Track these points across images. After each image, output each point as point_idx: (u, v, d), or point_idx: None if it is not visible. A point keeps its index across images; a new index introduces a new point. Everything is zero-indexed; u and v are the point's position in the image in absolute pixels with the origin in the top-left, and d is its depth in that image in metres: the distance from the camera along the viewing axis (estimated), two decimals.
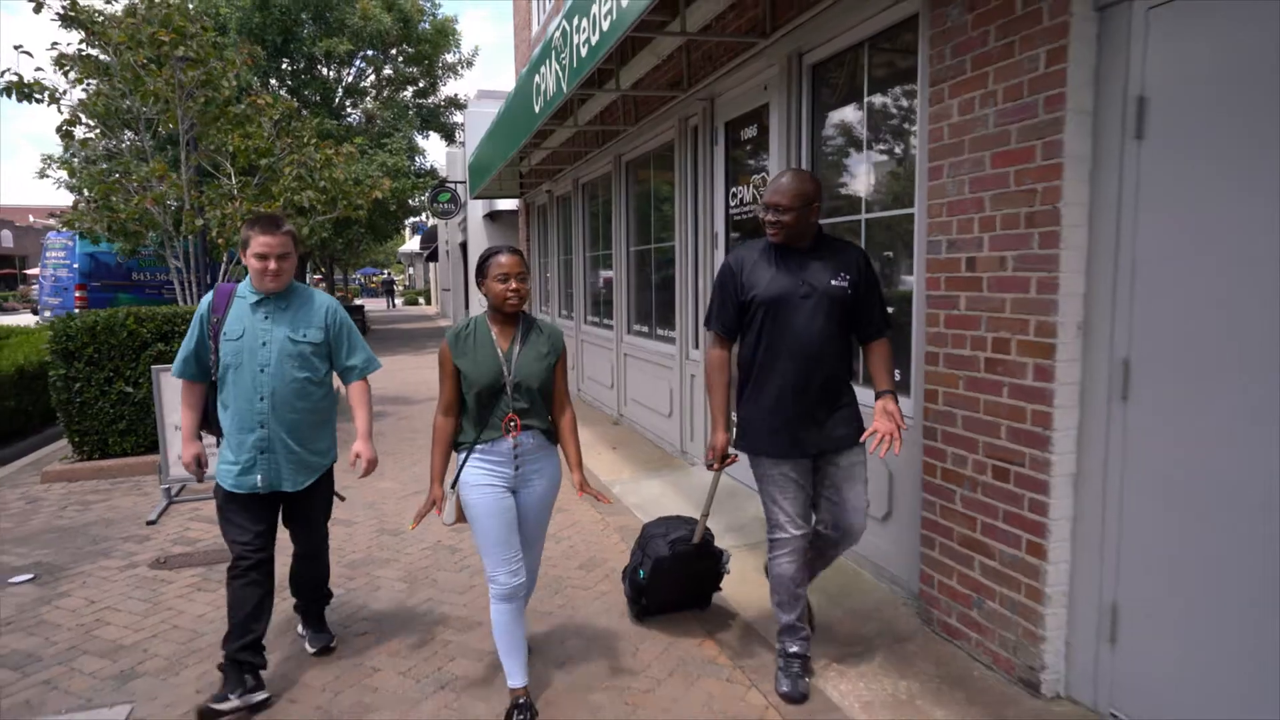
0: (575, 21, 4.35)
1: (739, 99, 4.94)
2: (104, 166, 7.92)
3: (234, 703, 2.62)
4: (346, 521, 4.77)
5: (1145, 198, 2.32)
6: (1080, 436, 2.55)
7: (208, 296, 2.84)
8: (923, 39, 3.11)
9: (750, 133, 4.91)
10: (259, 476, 2.75)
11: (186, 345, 2.82)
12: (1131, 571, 2.42)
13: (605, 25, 3.86)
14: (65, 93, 7.22)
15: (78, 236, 17.48)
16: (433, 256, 32.67)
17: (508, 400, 2.56)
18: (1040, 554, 2.61)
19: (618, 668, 2.99)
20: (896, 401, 2.62)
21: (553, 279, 10.93)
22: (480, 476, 2.58)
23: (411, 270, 57.24)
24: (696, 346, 5.75)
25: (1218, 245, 2.13)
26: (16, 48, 7.23)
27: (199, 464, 2.88)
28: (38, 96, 7.21)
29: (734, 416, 2.84)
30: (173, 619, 3.46)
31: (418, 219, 27.23)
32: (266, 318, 2.78)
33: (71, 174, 8.82)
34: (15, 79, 7.00)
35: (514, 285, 2.55)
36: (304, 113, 13.53)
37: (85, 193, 12.12)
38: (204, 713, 2.59)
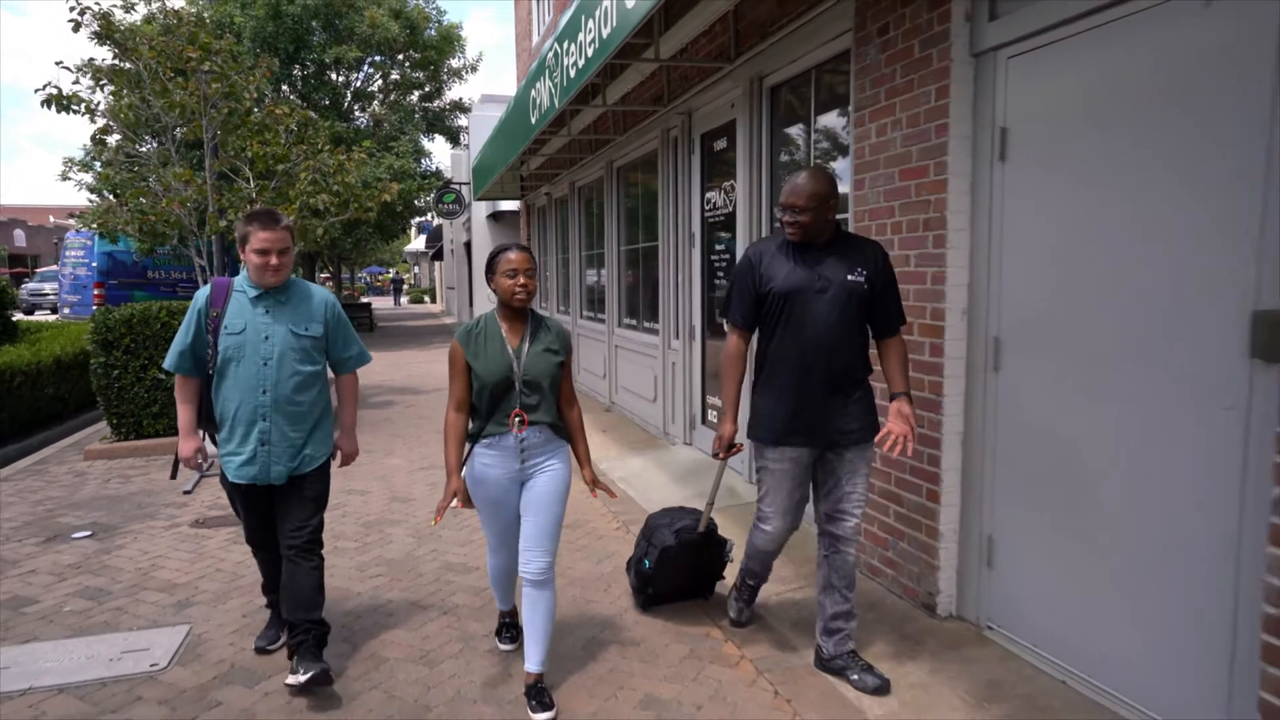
0: (565, 45, 4.92)
1: (711, 114, 5.52)
2: (131, 172, 8.50)
3: (284, 640, 3.04)
4: (361, 491, 5.36)
5: (1008, 208, 2.89)
6: (966, 402, 3.12)
7: (204, 291, 2.83)
8: (852, 71, 3.67)
9: (721, 144, 5.48)
10: (256, 468, 2.80)
11: (182, 339, 2.80)
12: (1003, 509, 2.99)
13: (590, 52, 4.42)
14: (99, 104, 7.83)
15: (96, 236, 18.15)
16: (438, 255, 33.31)
17: (516, 396, 2.64)
18: (936, 499, 3.18)
19: (590, 599, 3.57)
20: (910, 403, 2.68)
21: (552, 277, 11.52)
22: (485, 471, 2.69)
23: (417, 269, 57.97)
24: (676, 337, 6.32)
25: (1056, 245, 2.69)
26: (58, 63, 7.85)
27: (201, 456, 2.93)
28: (75, 108, 7.84)
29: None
30: (216, 565, 4.05)
31: (423, 219, 27.81)
32: (267, 312, 2.80)
33: (107, 180, 9.40)
34: (55, 92, 7.62)
35: (522, 281, 2.62)
36: (314, 116, 14.18)
37: (113, 195, 12.77)
38: (260, 650, 3.08)
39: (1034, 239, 2.79)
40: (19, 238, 52.94)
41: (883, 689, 2.66)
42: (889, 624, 3.20)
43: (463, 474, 2.71)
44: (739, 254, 5.07)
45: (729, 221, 5.35)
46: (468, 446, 2.73)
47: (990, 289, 2.98)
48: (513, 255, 2.64)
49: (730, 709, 2.69)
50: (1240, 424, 2.12)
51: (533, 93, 6.02)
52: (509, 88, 34.27)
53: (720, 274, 5.58)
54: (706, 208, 5.78)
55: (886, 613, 3.30)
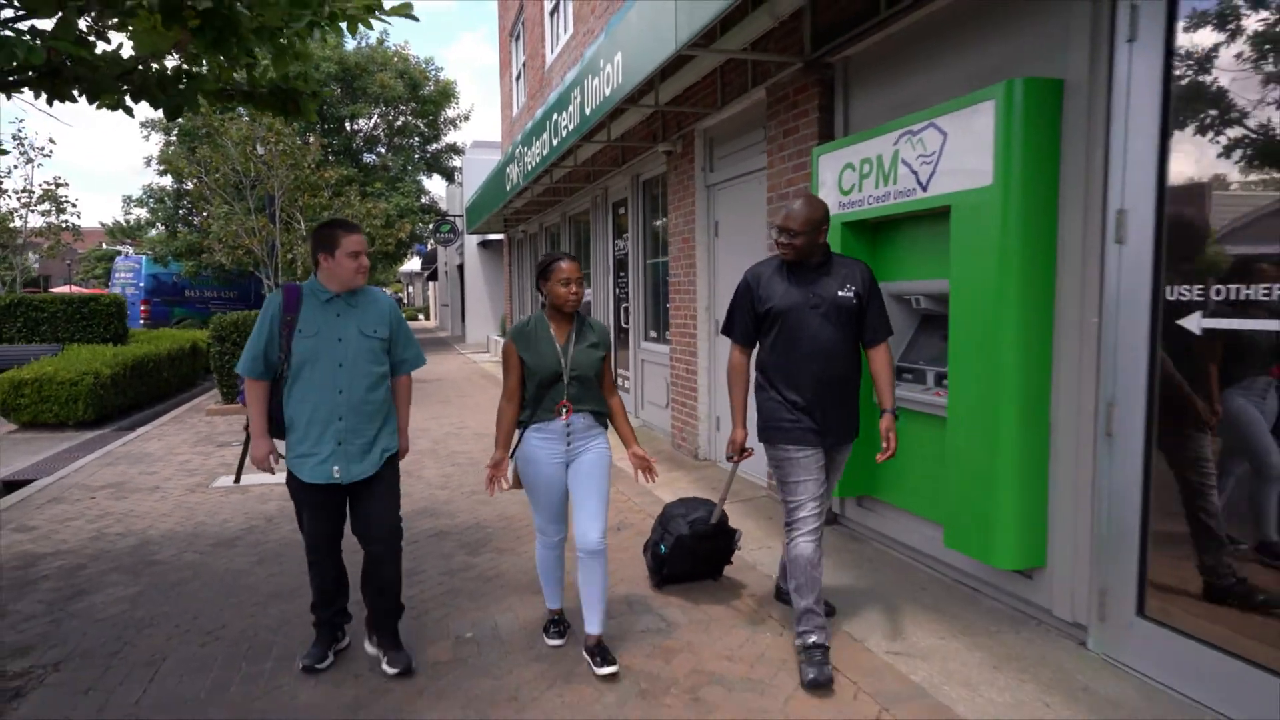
0: (524, 149, 8.21)
1: (616, 192, 8.83)
2: (219, 219, 11.75)
3: (331, 659, 3.03)
4: None
5: (719, 260, 6.16)
6: (706, 350, 6.37)
7: (276, 296, 2.88)
8: (667, 184, 6.95)
9: (622, 211, 8.77)
10: (336, 467, 2.81)
11: (254, 345, 2.84)
12: (719, 401, 6.23)
13: (537, 159, 7.71)
14: (203, 171, 11.09)
15: (145, 260, 21.34)
16: (433, 276, 36.57)
17: (563, 388, 2.88)
18: (695, 400, 6.43)
19: None
20: (895, 418, 2.95)
21: (526, 293, 14.78)
22: (536, 452, 2.92)
23: (411, 289, 61.24)
24: None
25: (733, 277, 5.95)
26: (170, 143, 11.15)
27: (274, 458, 2.93)
28: (182, 174, 11.12)
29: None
30: None
31: (419, 244, 31.12)
32: (339, 315, 2.86)
33: (208, 225, 12.61)
34: (169, 165, 10.88)
35: (573, 289, 2.85)
36: (329, 159, 17.41)
37: (164, 226, 15.75)
38: (307, 669, 2.96)
39: (728, 275, 6.06)
40: (32, 258, 55.83)
41: (823, 684, 2.76)
42: (672, 462, 6.43)
43: (513, 457, 2.98)
44: (631, 282, 8.35)
45: (626, 260, 8.63)
46: (519, 433, 2.97)
47: (714, 298, 6.26)
48: (565, 265, 2.87)
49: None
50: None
51: (507, 170, 9.33)
52: (495, 119, 37.40)
53: (621, 293, 8.84)
54: (616, 250, 9.07)
55: (674, 458, 6.54)
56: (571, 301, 2.87)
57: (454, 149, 23.78)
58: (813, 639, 2.86)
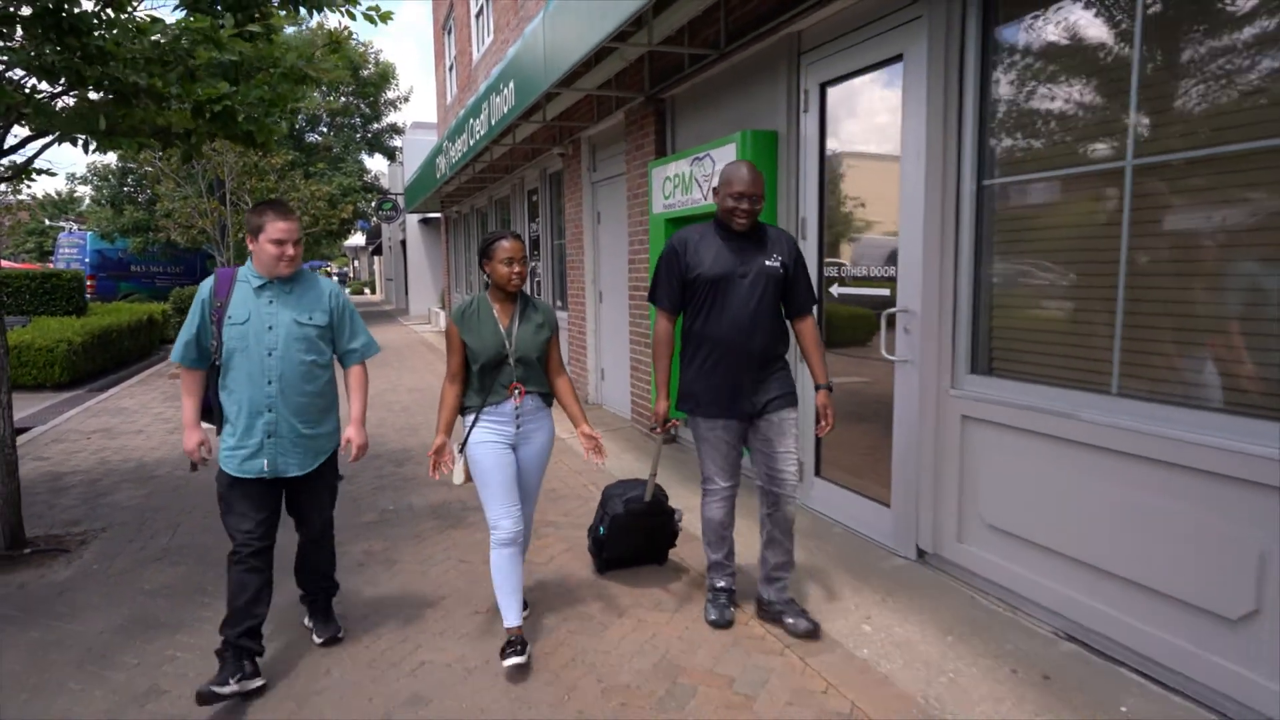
0: (448, 144, 9.56)
1: (531, 181, 10.25)
2: (179, 203, 12.77)
3: (233, 687, 2.60)
4: None
5: (602, 241, 7.67)
6: (593, 315, 7.89)
7: (208, 281, 2.78)
8: (563, 178, 8.40)
9: (536, 197, 10.20)
10: (265, 461, 2.73)
11: (187, 330, 2.74)
12: (605, 357, 7.78)
13: (459, 154, 9.09)
14: (156, 156, 12.10)
15: (90, 235, 21.96)
16: (377, 251, 37.31)
17: (510, 370, 2.85)
18: (585, 355, 7.96)
19: None
20: (830, 392, 2.97)
21: (463, 268, 16.10)
22: (485, 435, 2.87)
23: (356, 262, 61.39)
24: None
25: (617, 254, 7.47)
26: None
27: (205, 449, 2.80)
28: (135, 156, 12.10)
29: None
30: None
31: (362, 220, 31.93)
32: (271, 302, 2.75)
33: (163, 206, 13.58)
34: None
35: (517, 268, 2.80)
36: (273, 144, 18.40)
37: (112, 206, 16.52)
38: (203, 696, 2.56)
39: (611, 251, 7.56)
40: None
41: (813, 633, 2.85)
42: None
43: (463, 449, 2.88)
44: (542, 258, 9.81)
45: (539, 240, 10.09)
46: (470, 419, 2.89)
47: (598, 272, 7.77)
48: (507, 244, 2.80)
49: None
50: (626, 318, 6.92)
51: (437, 160, 10.67)
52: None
53: (536, 269, 10.31)
54: (531, 231, 10.51)
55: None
56: (515, 281, 2.81)
57: (395, 129, 24.66)
58: (720, 583, 3.17)
